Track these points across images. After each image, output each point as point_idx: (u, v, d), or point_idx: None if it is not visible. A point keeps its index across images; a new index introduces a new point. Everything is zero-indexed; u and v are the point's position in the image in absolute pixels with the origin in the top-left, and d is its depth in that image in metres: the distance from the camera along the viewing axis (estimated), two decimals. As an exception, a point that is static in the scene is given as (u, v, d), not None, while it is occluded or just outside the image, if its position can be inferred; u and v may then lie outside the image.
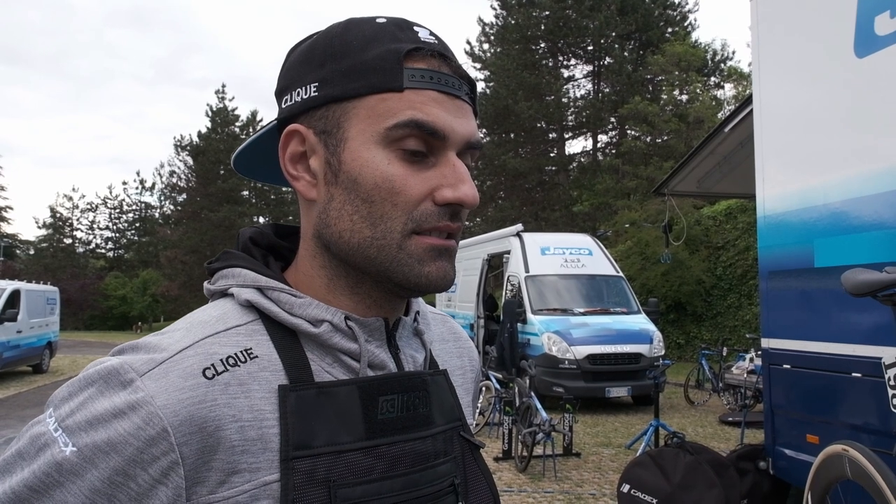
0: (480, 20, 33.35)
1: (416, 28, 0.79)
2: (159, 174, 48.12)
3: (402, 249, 0.77)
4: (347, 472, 0.74)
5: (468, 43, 33.94)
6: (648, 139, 25.39)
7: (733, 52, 29.96)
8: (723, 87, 28.28)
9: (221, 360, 0.73)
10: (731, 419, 10.34)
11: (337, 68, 0.77)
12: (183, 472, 0.68)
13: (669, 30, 30.50)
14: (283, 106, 0.82)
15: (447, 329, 1.02)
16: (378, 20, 0.80)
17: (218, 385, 0.71)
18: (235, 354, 0.74)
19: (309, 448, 0.73)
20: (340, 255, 0.79)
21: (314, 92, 0.78)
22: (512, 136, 32.38)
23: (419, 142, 0.76)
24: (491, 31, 32.99)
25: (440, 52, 0.78)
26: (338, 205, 0.78)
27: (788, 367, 4.79)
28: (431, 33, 0.80)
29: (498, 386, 9.60)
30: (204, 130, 42.59)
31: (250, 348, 0.75)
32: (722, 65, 29.27)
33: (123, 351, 0.74)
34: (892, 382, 2.89)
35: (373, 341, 0.82)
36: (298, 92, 0.80)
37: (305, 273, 0.83)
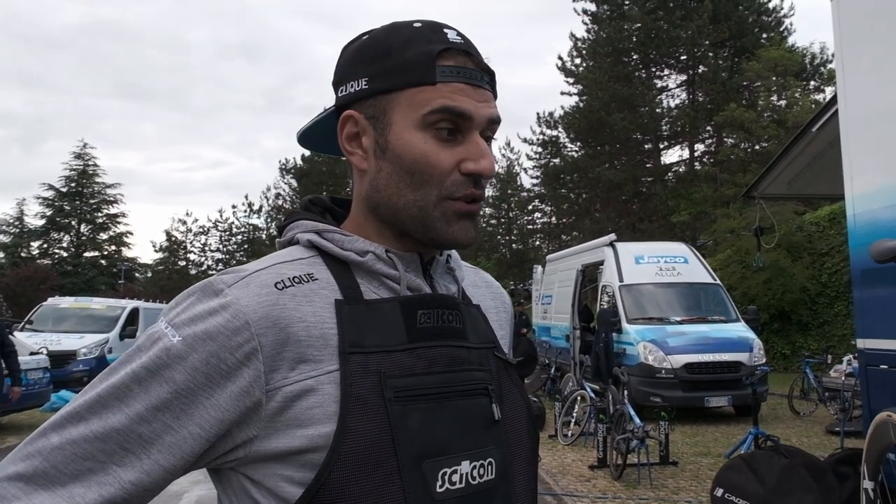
0: (572, 35, 33.36)
1: (445, 30, 0.97)
2: (266, 197, 49.57)
3: (437, 209, 0.95)
4: (394, 367, 0.91)
5: (559, 58, 34.05)
6: (746, 146, 24.77)
7: (832, 55, 28.80)
8: (823, 91, 27.30)
9: (289, 278, 0.92)
10: (838, 429, 10.00)
11: (382, 66, 0.95)
12: (262, 357, 0.86)
13: (764, 35, 29.63)
14: (340, 95, 1.01)
15: (479, 278, 1.19)
16: (415, 24, 0.98)
17: (287, 294, 0.90)
18: (300, 276, 0.94)
19: (362, 347, 0.90)
20: (387, 215, 0.98)
21: (364, 85, 0.97)
22: (606, 148, 32.12)
23: (449, 123, 0.94)
24: (583, 46, 32.95)
25: (465, 49, 0.96)
26: (386, 175, 0.97)
27: (886, 367, 4.68)
28: (458, 34, 0.98)
29: (593, 395, 9.59)
30: (307, 154, 43.93)
31: (311, 273, 0.95)
32: (822, 68, 28.25)
33: (215, 276, 0.94)
34: None
35: (410, 271, 1.00)
36: (352, 84, 0.98)
37: (358, 223, 1.02)
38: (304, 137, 1.13)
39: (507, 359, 1.06)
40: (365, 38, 1.01)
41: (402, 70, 0.94)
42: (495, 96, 1.00)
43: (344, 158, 1.04)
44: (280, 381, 0.87)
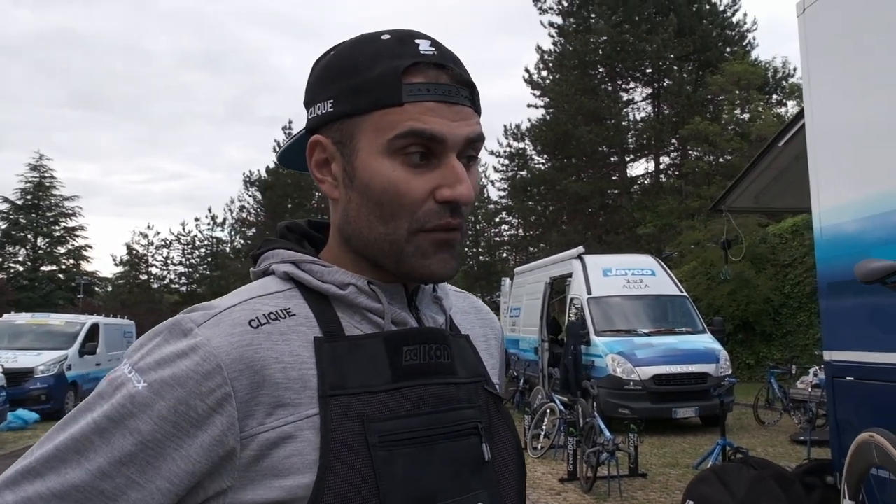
0: (539, 48, 33.63)
1: (417, 41, 0.88)
2: (230, 209, 48.85)
3: (410, 243, 0.88)
4: (378, 409, 0.85)
5: (526, 70, 34.33)
6: (711, 159, 25.14)
7: (794, 69, 29.53)
8: (785, 105, 27.88)
9: (264, 315, 0.86)
10: (802, 438, 10.14)
11: (346, 87, 0.88)
12: (235, 403, 0.80)
13: (728, 49, 30.25)
14: (309, 117, 0.94)
15: (468, 303, 1.12)
16: (383, 37, 0.89)
17: (262, 333, 0.84)
18: (276, 311, 0.87)
19: (343, 389, 0.84)
20: (360, 247, 0.92)
21: (329, 108, 0.90)
22: (573, 160, 32.41)
23: (420, 147, 0.86)
24: (549, 59, 33.23)
25: (439, 62, 0.88)
26: (355, 206, 0.90)
27: (852, 379, 4.75)
28: (433, 44, 0.89)
29: (562, 408, 9.62)
30: (272, 165, 43.66)
31: (289, 308, 0.88)
32: (783, 82, 28.94)
33: (182, 314, 0.87)
34: None
35: (395, 303, 0.93)
36: (319, 106, 0.91)
37: (335, 254, 0.96)
38: (284, 158, 1.07)
39: (497, 393, 1.00)
40: (332, 53, 0.94)
41: (366, 90, 0.87)
42: (477, 112, 0.92)
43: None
44: (255, 428, 0.81)
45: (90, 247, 48.96)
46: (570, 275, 13.86)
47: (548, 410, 10.08)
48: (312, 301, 0.90)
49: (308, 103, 0.95)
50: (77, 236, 45.77)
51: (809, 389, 10.10)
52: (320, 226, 1.04)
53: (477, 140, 0.90)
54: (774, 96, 28.83)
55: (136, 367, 0.82)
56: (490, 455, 0.93)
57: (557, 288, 15.32)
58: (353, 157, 0.89)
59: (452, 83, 0.88)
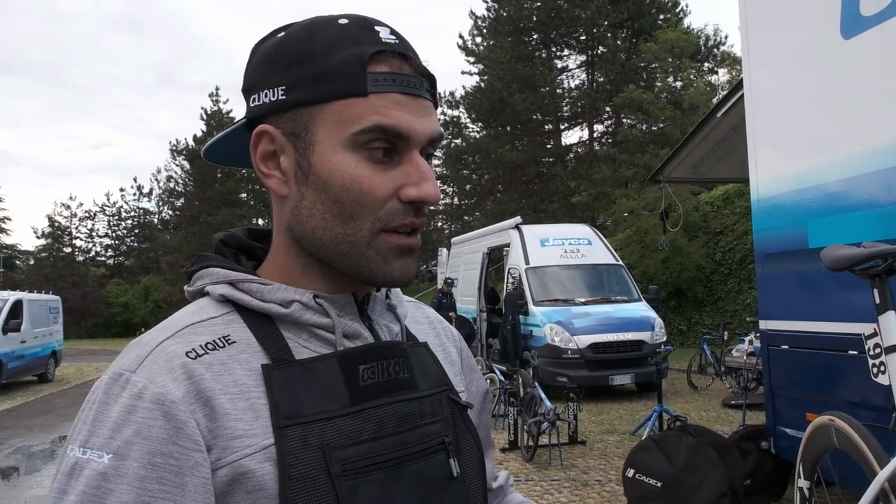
0: (472, 13, 33.48)
1: (377, 28, 0.83)
2: (156, 179, 47.71)
3: (371, 246, 0.83)
4: (338, 435, 0.79)
5: (461, 37, 34.22)
6: (644, 127, 25.46)
7: (726, 37, 30.14)
8: (716, 73, 28.46)
9: (201, 346, 0.79)
10: (733, 402, 10.42)
11: (303, 73, 0.81)
12: (200, 434, 0.74)
13: (661, 17, 30.61)
14: (252, 105, 0.86)
15: (420, 313, 1.07)
16: (340, 21, 0.83)
17: (202, 364, 0.77)
18: (213, 341, 0.80)
19: (299, 417, 0.77)
20: (312, 250, 0.85)
21: (282, 95, 0.82)
22: (508, 128, 32.51)
23: (384, 143, 0.81)
24: (483, 25, 33.09)
25: (401, 52, 0.82)
26: (309, 203, 0.83)
27: (787, 347, 4.84)
28: (392, 32, 0.84)
29: (502, 378, 9.66)
30: (199, 134, 42.57)
31: (228, 335, 0.81)
32: (715, 50, 29.52)
33: (114, 365, 0.79)
34: (871, 353, 2.98)
35: (345, 315, 0.87)
36: (266, 93, 0.83)
37: (281, 262, 0.88)
38: (212, 152, 0.96)
39: (462, 402, 0.95)
40: (280, 35, 0.86)
41: (326, 78, 0.80)
42: (435, 105, 0.87)
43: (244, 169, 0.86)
44: (216, 463, 0.75)
45: (9, 219, 47.49)
46: (507, 245, 13.90)
47: (487, 381, 10.07)
48: (254, 324, 0.83)
49: (249, 90, 0.86)
50: (-6, 207, 44.06)
51: (745, 357, 10.35)
52: (261, 234, 0.97)
53: (438, 139, 0.86)
54: (706, 64, 29.34)
55: (88, 445, 0.73)
56: (458, 470, 0.88)
57: (494, 257, 15.36)
58: (308, 151, 0.82)
59: (415, 74, 0.83)
